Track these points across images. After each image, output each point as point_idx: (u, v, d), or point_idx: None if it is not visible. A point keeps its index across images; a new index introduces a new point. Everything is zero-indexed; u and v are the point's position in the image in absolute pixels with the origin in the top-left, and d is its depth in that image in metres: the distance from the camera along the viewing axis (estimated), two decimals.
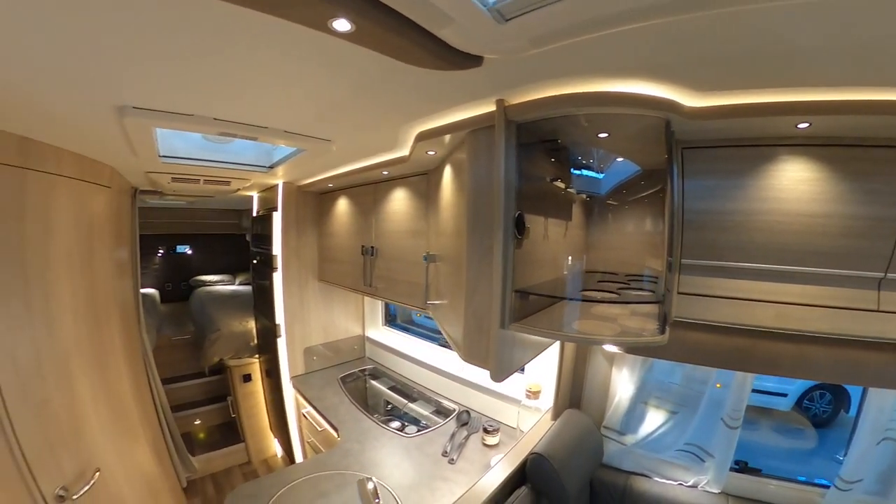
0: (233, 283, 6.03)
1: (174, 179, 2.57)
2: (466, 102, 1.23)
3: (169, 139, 1.97)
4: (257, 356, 4.06)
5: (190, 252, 6.31)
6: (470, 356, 1.42)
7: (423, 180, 2.07)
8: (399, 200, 2.24)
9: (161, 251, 6.00)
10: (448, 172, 1.69)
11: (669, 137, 1.26)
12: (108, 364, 2.12)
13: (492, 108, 1.22)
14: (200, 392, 4.52)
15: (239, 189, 3.16)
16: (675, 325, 1.43)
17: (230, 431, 4.25)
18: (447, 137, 1.47)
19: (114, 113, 1.38)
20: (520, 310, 1.30)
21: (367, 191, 2.49)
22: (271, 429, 4.13)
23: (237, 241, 6.15)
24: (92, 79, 1.08)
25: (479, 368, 1.39)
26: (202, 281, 6.03)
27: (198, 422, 4.35)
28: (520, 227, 1.26)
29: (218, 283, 6.01)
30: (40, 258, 1.66)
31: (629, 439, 2.20)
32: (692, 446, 2.07)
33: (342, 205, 2.85)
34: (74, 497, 1.68)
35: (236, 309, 4.34)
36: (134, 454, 2.25)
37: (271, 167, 2.47)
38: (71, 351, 1.83)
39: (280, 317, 3.21)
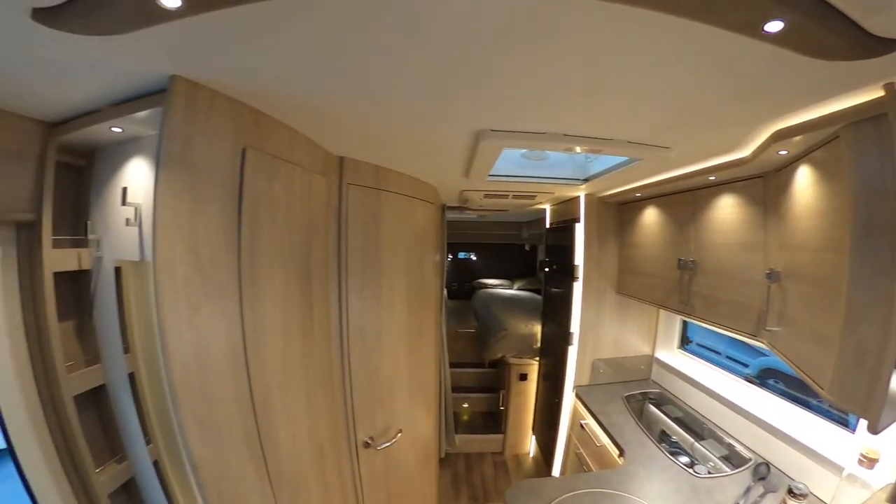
0: (510, 288, 6.58)
1: (486, 196, 2.88)
2: (844, 92, 1.03)
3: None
4: (537, 358, 4.26)
5: (473, 258, 7.27)
6: (842, 397, 1.15)
7: (757, 184, 1.76)
8: (727, 208, 1.96)
9: (448, 256, 7.02)
10: (805, 175, 1.40)
11: None
12: (420, 345, 2.53)
13: (876, 94, 0.99)
14: (475, 380, 5.04)
15: (538, 202, 3.34)
16: None
17: (492, 421, 4.71)
18: (803, 135, 1.25)
19: (470, 138, 1.58)
20: None
21: (685, 199, 2.28)
22: (533, 429, 4.28)
23: (516, 250, 6.95)
24: (457, 110, 1.26)
25: (853, 413, 1.07)
26: (483, 283, 6.78)
27: (466, 405, 4.88)
28: None
29: (497, 287, 6.64)
30: (389, 257, 2.15)
31: None
32: None
33: (650, 214, 2.70)
34: (378, 447, 2.14)
35: (520, 311, 4.66)
36: (423, 422, 2.62)
37: (586, 180, 2.51)
38: (400, 331, 2.29)
39: (575, 325, 3.27)
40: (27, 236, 1.64)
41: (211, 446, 1.19)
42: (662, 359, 3.23)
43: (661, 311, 3.24)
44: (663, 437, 2.61)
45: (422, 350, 2.55)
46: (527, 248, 7.00)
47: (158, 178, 1.06)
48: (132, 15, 0.74)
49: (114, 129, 1.46)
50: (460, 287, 6.96)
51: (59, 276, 1.66)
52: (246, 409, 1.32)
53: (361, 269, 2.02)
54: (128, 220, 1.46)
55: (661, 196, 2.55)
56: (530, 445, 4.40)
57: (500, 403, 4.49)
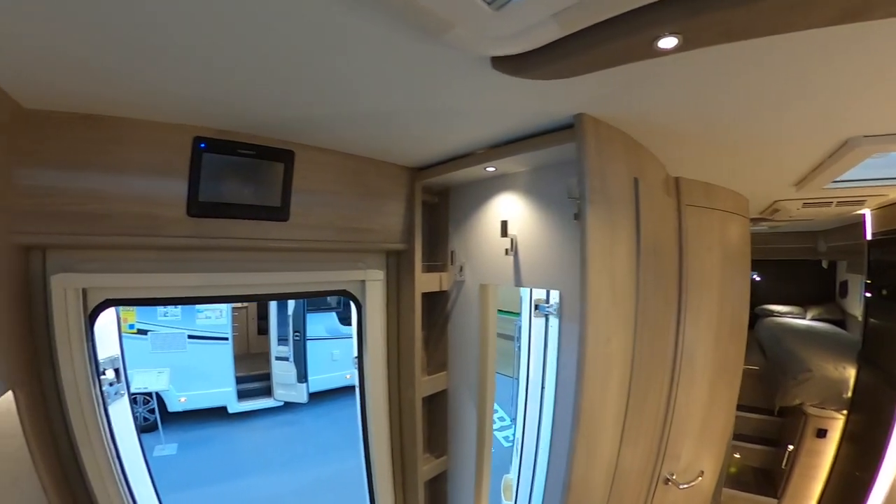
0: (803, 317, 5.35)
1: (806, 205, 2.47)
2: None
3: None
4: (844, 412, 3.44)
5: (756, 278, 5.81)
6: None
7: None
8: None
9: None
10: None
11: None
12: (723, 380, 2.26)
13: None
14: (755, 428, 4.27)
15: (862, 207, 2.73)
16: None
17: (767, 481, 3.85)
18: None
19: (832, 146, 1.42)
20: None
21: None
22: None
23: (809, 268, 5.51)
24: (827, 120, 1.17)
25: None
26: (769, 310, 5.60)
27: (737, 455, 4.15)
28: None
29: (787, 315, 5.45)
30: (705, 278, 1.95)
31: None
32: None
33: None
34: (679, 486, 1.95)
35: (825, 349, 3.82)
36: (710, 466, 2.32)
37: None
38: (706, 363, 2.07)
39: None
40: (395, 262, 2.01)
41: (585, 468, 1.24)
42: None
43: None
44: None
45: (723, 386, 2.29)
46: (824, 265, 5.52)
47: (586, 212, 1.13)
48: (608, 58, 0.80)
49: (488, 168, 1.67)
50: None
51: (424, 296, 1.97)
52: (616, 435, 1.33)
53: (694, 292, 1.91)
54: (507, 249, 1.69)
55: None
56: None
57: (784, 462, 3.74)
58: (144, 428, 5.22)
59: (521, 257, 1.66)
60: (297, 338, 6.04)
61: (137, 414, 5.24)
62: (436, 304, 2.08)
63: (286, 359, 6.08)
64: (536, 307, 2.27)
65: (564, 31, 0.71)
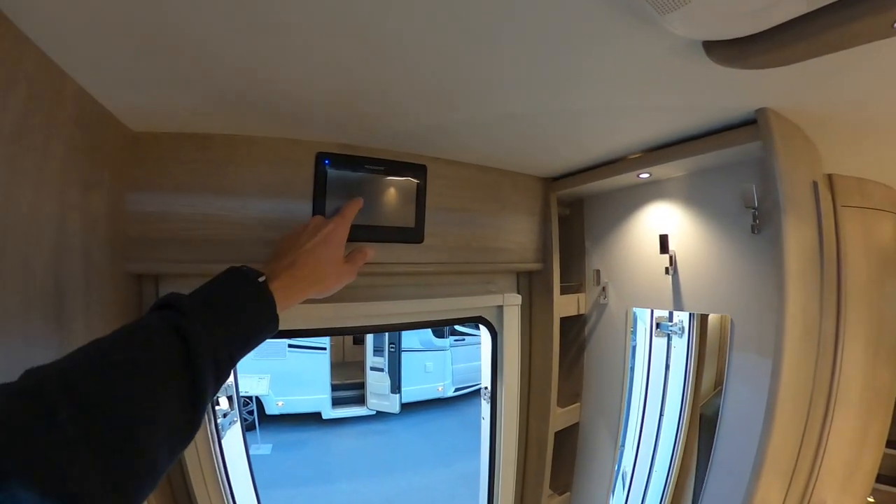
0: None
1: None
2: None
3: None
4: None
5: None
6: None
7: None
8: None
9: None
10: None
11: None
12: (874, 407, 1.89)
13: None
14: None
15: None
16: None
17: None
18: None
19: None
20: None
21: None
22: None
23: None
24: None
25: None
26: None
27: (871, 500, 3.39)
28: None
29: None
30: (860, 289, 1.60)
31: None
32: None
33: None
34: None
35: None
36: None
37: None
38: (863, 385, 1.72)
39: None
40: (526, 283, 1.77)
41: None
42: None
43: None
44: None
45: (875, 418, 1.92)
46: None
47: (782, 224, 0.99)
48: (839, 41, 0.67)
49: (641, 175, 1.44)
50: None
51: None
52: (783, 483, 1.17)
53: (852, 308, 1.57)
54: (667, 268, 1.46)
55: None
56: None
57: None
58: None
59: (683, 277, 1.45)
60: (393, 349, 6.11)
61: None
62: (569, 329, 1.84)
63: (381, 369, 6.18)
64: (657, 326, 2.02)
65: (811, 5, 0.60)
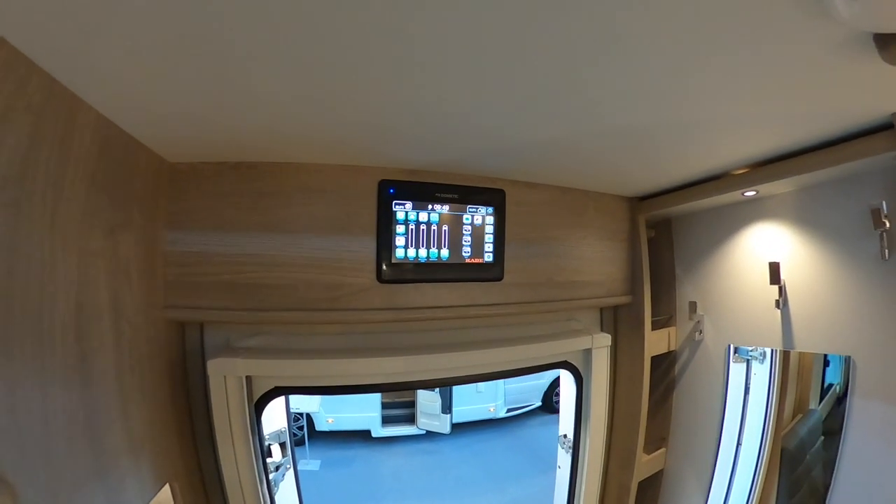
0: None
1: None
2: None
3: None
4: None
5: None
6: None
7: None
8: None
9: None
10: None
11: None
12: None
13: None
14: None
15: None
16: None
17: None
18: None
19: None
20: None
21: None
22: None
23: None
24: None
25: None
26: None
27: None
28: None
29: None
30: None
31: None
32: None
33: None
34: None
35: None
36: None
37: None
38: None
39: None
40: (611, 317, 1.59)
41: None
42: None
43: None
44: None
45: None
46: None
47: None
48: None
49: (746, 193, 1.28)
50: None
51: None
52: None
53: None
54: (777, 301, 1.28)
55: None
56: None
57: None
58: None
59: (794, 311, 1.27)
60: None
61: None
62: (656, 366, 1.63)
63: (432, 389, 5.94)
64: (736, 351, 1.80)
65: None
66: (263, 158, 0.91)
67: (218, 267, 0.91)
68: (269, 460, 1.30)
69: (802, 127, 0.91)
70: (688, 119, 0.82)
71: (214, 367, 0.94)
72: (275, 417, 1.50)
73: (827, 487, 1.19)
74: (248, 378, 0.99)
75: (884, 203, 0.98)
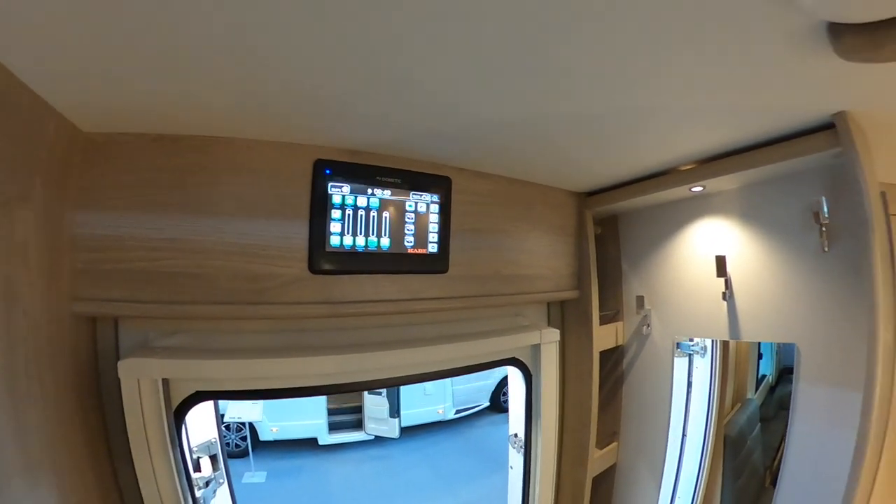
0: None
1: None
2: None
3: None
4: None
5: None
6: None
7: None
8: None
9: None
10: None
11: None
12: None
13: None
14: None
15: None
16: None
17: None
18: None
19: None
20: None
21: None
22: None
23: None
24: None
25: None
26: None
27: None
28: None
29: None
30: None
31: None
32: None
33: None
34: None
35: None
36: None
37: None
38: None
39: None
40: (558, 313, 1.57)
41: None
42: None
43: None
44: None
45: None
46: None
47: (872, 242, 0.87)
48: None
49: (693, 189, 1.30)
50: None
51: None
52: None
53: None
54: (724, 293, 1.30)
55: None
56: None
57: None
58: (235, 454, 5.20)
59: (740, 302, 1.32)
60: None
61: (229, 440, 5.27)
62: (604, 362, 1.64)
63: (379, 393, 5.84)
64: (677, 346, 1.87)
65: None
66: (188, 131, 0.81)
67: (131, 253, 0.80)
68: (197, 475, 1.18)
69: (753, 122, 0.93)
70: (642, 105, 0.82)
71: (126, 368, 0.82)
72: (203, 427, 1.37)
73: (766, 469, 1.25)
74: (166, 381, 0.87)
75: (824, 199, 1.02)
